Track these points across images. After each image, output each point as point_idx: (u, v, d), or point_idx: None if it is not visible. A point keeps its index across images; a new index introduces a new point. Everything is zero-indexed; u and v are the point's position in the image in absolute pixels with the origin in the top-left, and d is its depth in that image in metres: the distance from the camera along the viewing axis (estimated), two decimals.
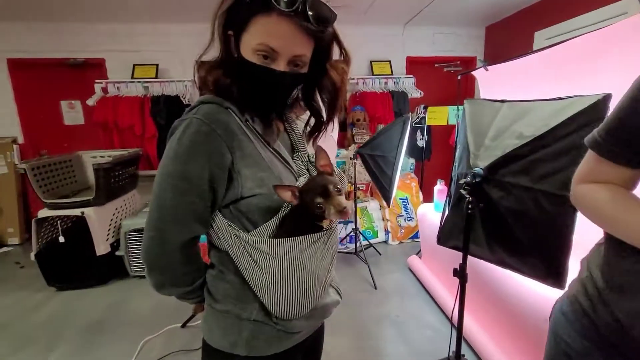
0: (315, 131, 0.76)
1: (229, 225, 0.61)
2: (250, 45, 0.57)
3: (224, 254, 0.63)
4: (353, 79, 3.85)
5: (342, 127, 3.91)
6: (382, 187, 2.40)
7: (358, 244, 2.78)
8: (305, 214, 0.61)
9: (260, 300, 0.60)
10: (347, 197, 0.75)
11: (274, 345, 0.64)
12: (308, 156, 0.75)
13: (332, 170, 0.67)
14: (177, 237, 0.59)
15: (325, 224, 0.64)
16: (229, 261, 0.62)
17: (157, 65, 3.64)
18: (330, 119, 0.75)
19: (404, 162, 3.69)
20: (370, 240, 3.11)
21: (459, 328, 1.29)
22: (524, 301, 1.29)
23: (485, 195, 1.08)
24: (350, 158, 2.68)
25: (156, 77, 3.59)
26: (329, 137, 1.47)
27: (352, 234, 2.83)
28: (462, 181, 1.10)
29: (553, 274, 0.98)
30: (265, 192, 0.60)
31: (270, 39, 0.56)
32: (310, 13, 0.54)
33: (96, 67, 3.64)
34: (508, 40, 3.72)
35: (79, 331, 1.94)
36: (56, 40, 3.50)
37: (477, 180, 1.06)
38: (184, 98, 3.54)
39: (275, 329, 0.62)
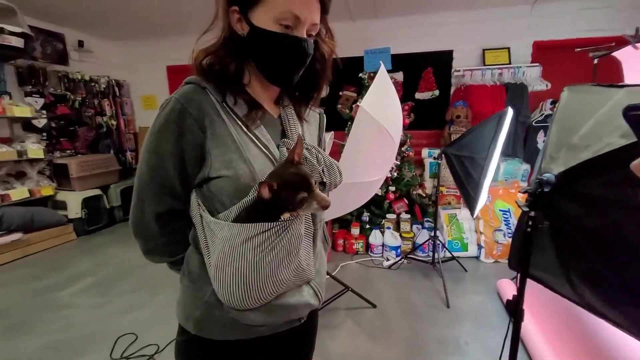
0: (304, 102, 0.74)
1: (198, 204, 0.62)
2: (271, 15, 0.57)
3: (195, 231, 0.65)
4: (458, 70, 3.44)
5: (440, 124, 3.55)
6: (466, 194, 2.08)
7: (437, 255, 2.49)
8: (274, 208, 0.57)
9: None
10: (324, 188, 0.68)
11: (226, 331, 0.63)
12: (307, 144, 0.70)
13: (301, 161, 0.61)
14: (151, 208, 0.63)
15: (285, 216, 0.58)
16: (197, 239, 0.64)
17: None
18: (318, 92, 0.74)
19: (511, 167, 3.11)
20: (455, 253, 2.74)
21: None
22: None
23: (556, 210, 0.81)
24: (434, 157, 2.41)
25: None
26: (389, 140, 1.36)
27: (439, 243, 2.55)
28: (522, 189, 0.85)
29: None
30: (232, 174, 0.59)
31: (294, 6, 0.57)
32: None
33: None
34: None
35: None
36: None
37: (544, 190, 0.80)
38: None
39: (227, 315, 0.60)
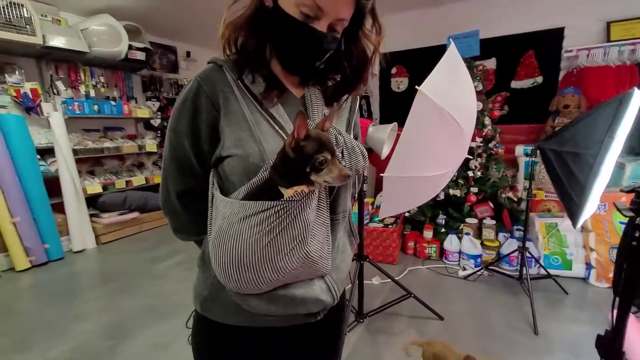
0: (338, 94, 0.69)
1: (212, 183, 0.62)
2: None
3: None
4: (570, 50, 2.85)
5: (542, 117, 3.00)
6: (567, 199, 1.69)
7: (525, 270, 2.10)
8: (287, 168, 0.53)
9: None
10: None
11: (230, 315, 0.62)
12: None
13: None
14: (173, 187, 0.65)
15: (288, 192, 0.53)
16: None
17: None
18: (355, 89, 0.69)
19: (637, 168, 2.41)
20: (553, 271, 2.28)
21: None
22: None
23: None
24: (527, 154, 2.02)
25: None
26: (456, 129, 1.18)
27: (529, 256, 2.15)
28: (626, 187, 0.63)
29: None
30: (241, 152, 0.58)
31: None
32: None
33: None
34: None
35: None
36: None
37: None
38: None
39: (231, 298, 0.59)
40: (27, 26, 2.75)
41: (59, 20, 3.12)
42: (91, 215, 3.30)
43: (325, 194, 0.61)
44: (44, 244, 2.84)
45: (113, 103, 3.59)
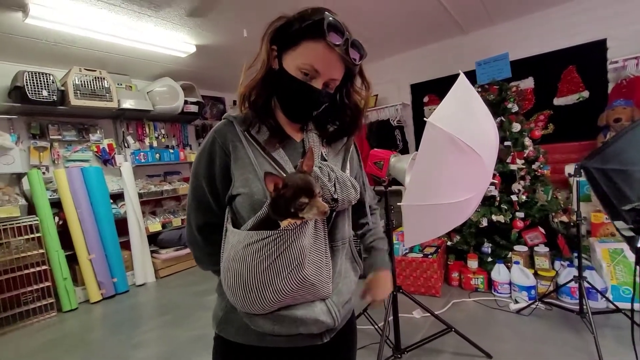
0: (335, 137, 0.82)
1: (227, 219, 0.73)
2: (295, 62, 0.68)
3: None
4: (616, 61, 2.68)
5: (593, 133, 2.78)
6: (619, 220, 1.54)
7: (584, 302, 1.88)
8: (276, 209, 0.63)
9: None
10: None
11: (240, 334, 0.70)
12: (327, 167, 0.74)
13: (310, 171, 0.66)
14: (194, 221, 0.77)
15: (284, 223, 0.63)
16: None
17: (376, 95, 4.20)
18: (352, 133, 0.83)
19: None
20: (621, 304, 1.99)
21: None
22: None
23: None
24: (569, 175, 1.89)
25: (375, 105, 4.15)
26: (472, 156, 1.20)
27: (588, 286, 1.94)
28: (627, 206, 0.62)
29: None
30: (247, 191, 0.69)
31: (316, 62, 0.67)
32: (351, 50, 0.68)
33: None
34: None
35: None
36: None
37: None
38: (393, 121, 3.87)
39: (242, 319, 0.67)
40: (107, 94, 3.34)
41: (131, 87, 3.74)
42: (152, 252, 3.67)
43: (322, 223, 0.69)
44: (112, 278, 3.21)
45: (171, 151, 4.09)
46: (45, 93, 2.96)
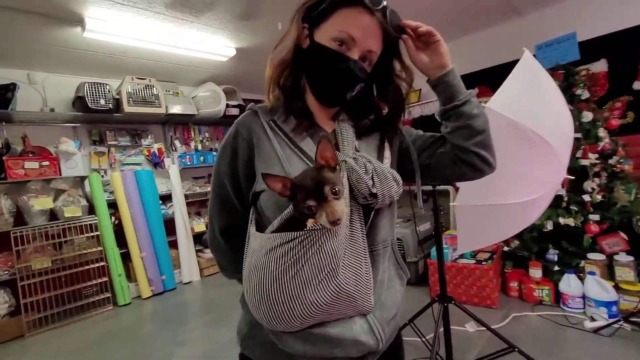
0: (368, 130, 0.71)
1: (251, 221, 0.65)
2: (329, 32, 0.62)
3: None
4: None
5: None
6: None
7: None
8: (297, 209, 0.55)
9: None
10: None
11: (267, 354, 0.62)
12: (359, 157, 0.63)
13: (335, 164, 0.55)
14: (217, 225, 0.70)
15: (309, 223, 0.53)
16: None
17: (419, 90, 3.97)
18: (393, 125, 0.72)
19: None
20: None
21: None
22: None
23: None
24: None
25: (419, 100, 3.92)
26: (542, 146, 1.01)
27: None
28: None
29: None
30: None
31: (352, 28, 0.61)
32: (389, 15, 0.62)
33: None
34: None
35: None
36: None
37: None
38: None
39: (268, 336, 0.59)
40: (156, 101, 3.53)
41: (177, 93, 3.92)
42: (197, 251, 3.80)
43: (359, 222, 0.58)
44: (161, 276, 3.37)
45: (214, 153, 4.22)
46: (102, 102, 3.19)
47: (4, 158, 2.71)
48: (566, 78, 2.39)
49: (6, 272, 2.68)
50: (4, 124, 2.94)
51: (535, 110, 1.04)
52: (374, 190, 0.57)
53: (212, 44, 3.06)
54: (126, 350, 2.28)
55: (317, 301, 0.53)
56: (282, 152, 0.62)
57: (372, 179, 0.58)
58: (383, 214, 0.64)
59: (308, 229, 0.52)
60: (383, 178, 0.58)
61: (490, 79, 3.45)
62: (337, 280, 0.53)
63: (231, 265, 0.71)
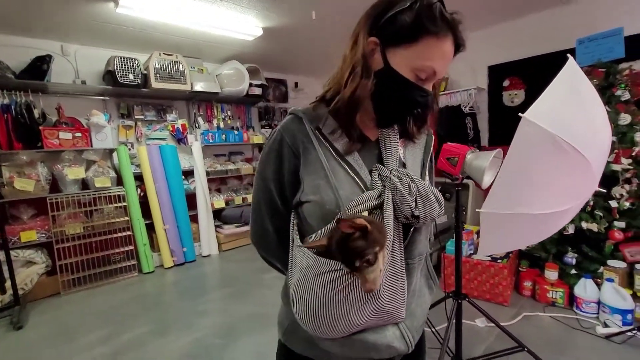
0: (415, 129, 0.71)
1: (293, 225, 0.67)
2: (411, 61, 0.58)
3: None
4: None
5: None
6: None
7: None
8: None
9: None
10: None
11: (307, 347, 0.66)
12: (397, 170, 0.63)
13: (369, 228, 0.51)
14: (271, 225, 0.70)
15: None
16: None
17: (447, 78, 3.85)
18: (425, 119, 0.71)
19: None
20: None
21: None
22: None
23: None
24: None
25: (445, 89, 3.81)
26: (577, 160, 0.99)
27: None
28: None
29: None
30: (318, 199, 0.61)
31: (438, 62, 0.58)
32: (459, 33, 0.59)
33: None
34: None
35: None
36: None
37: None
38: (465, 107, 3.52)
39: (308, 332, 0.62)
40: (182, 77, 3.57)
41: (202, 70, 3.93)
42: (216, 226, 3.94)
43: (398, 241, 0.61)
44: (182, 248, 3.53)
45: (236, 132, 4.27)
46: (131, 77, 3.25)
47: (40, 128, 2.84)
48: (607, 77, 2.27)
49: (43, 235, 2.88)
50: (40, 94, 3.05)
51: (574, 123, 1.02)
52: (417, 213, 0.58)
53: (240, 23, 3.02)
54: (150, 316, 2.45)
55: (359, 320, 0.58)
56: (327, 164, 0.62)
57: (415, 200, 0.58)
58: (421, 230, 0.66)
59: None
60: (426, 200, 0.59)
61: (523, 70, 3.31)
62: (379, 302, 0.58)
63: (277, 261, 0.74)
